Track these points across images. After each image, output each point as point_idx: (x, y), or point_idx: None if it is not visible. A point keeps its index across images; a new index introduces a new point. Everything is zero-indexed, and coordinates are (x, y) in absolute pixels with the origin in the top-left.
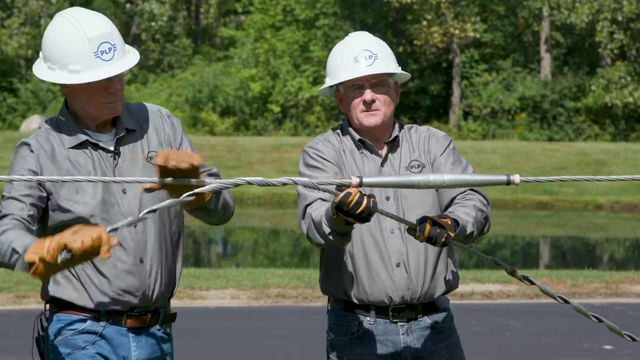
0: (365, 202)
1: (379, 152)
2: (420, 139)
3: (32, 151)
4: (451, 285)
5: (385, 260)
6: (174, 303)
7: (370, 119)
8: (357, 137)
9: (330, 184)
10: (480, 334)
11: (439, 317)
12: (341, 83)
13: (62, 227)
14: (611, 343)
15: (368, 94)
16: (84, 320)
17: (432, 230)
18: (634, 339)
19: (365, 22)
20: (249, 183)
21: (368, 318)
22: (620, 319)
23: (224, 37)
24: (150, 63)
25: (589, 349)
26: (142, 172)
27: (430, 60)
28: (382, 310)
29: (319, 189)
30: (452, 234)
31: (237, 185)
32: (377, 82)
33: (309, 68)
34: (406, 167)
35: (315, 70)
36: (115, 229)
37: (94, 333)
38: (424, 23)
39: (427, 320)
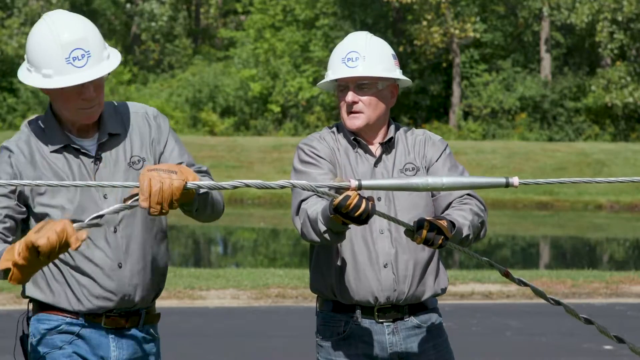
0: (364, 205)
1: (373, 152)
2: (416, 142)
3: (10, 157)
4: (439, 289)
5: (373, 260)
6: (175, 303)
7: (352, 122)
8: (352, 136)
9: (329, 186)
10: (480, 334)
11: (426, 317)
12: (334, 82)
13: None
14: (611, 343)
15: (350, 96)
16: (62, 321)
17: (429, 234)
18: (622, 341)
19: (365, 22)
20: (247, 185)
21: (354, 319)
22: (620, 319)
23: (224, 38)
24: (150, 63)
25: (589, 349)
26: (123, 177)
27: (430, 60)
28: (368, 310)
29: (317, 193)
30: (448, 236)
31: (235, 187)
32: (362, 84)
33: (309, 68)
34: (400, 169)
35: (315, 70)
36: (80, 221)
37: (72, 333)
38: (424, 23)
39: (413, 320)
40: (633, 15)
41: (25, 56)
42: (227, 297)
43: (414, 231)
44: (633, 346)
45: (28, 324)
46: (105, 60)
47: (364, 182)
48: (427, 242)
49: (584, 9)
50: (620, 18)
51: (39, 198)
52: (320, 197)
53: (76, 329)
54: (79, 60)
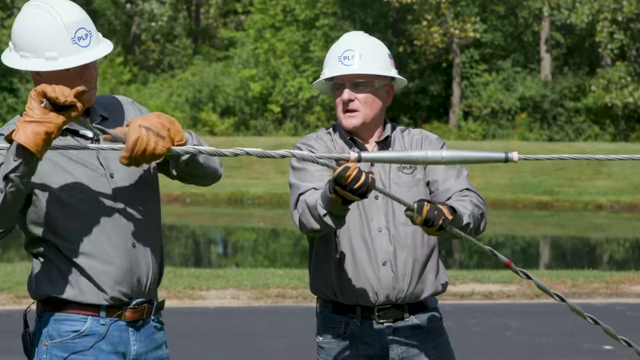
0: (363, 177)
1: (370, 151)
2: (413, 141)
3: None
4: (439, 287)
5: (372, 258)
6: (175, 303)
7: (349, 120)
8: (348, 135)
9: (329, 157)
10: (480, 334)
11: (427, 317)
12: (330, 80)
13: (49, 220)
14: (611, 343)
15: (346, 94)
16: (84, 321)
17: (430, 211)
18: (629, 344)
19: (365, 22)
20: (248, 153)
21: (354, 319)
22: (620, 319)
23: (224, 38)
24: (150, 63)
25: (589, 349)
26: None
27: (430, 61)
28: (368, 310)
29: (318, 163)
30: (449, 217)
31: (235, 154)
32: (359, 82)
33: (309, 68)
34: (398, 167)
35: (315, 70)
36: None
37: (94, 334)
38: (424, 23)
39: (414, 320)
40: (633, 15)
41: (10, 44)
42: (227, 297)
43: (414, 210)
44: None
45: (26, 321)
46: (103, 42)
47: (364, 155)
48: (427, 223)
49: (584, 9)
50: (620, 18)
51: (44, 190)
52: (317, 190)
53: (99, 328)
54: (83, 39)
